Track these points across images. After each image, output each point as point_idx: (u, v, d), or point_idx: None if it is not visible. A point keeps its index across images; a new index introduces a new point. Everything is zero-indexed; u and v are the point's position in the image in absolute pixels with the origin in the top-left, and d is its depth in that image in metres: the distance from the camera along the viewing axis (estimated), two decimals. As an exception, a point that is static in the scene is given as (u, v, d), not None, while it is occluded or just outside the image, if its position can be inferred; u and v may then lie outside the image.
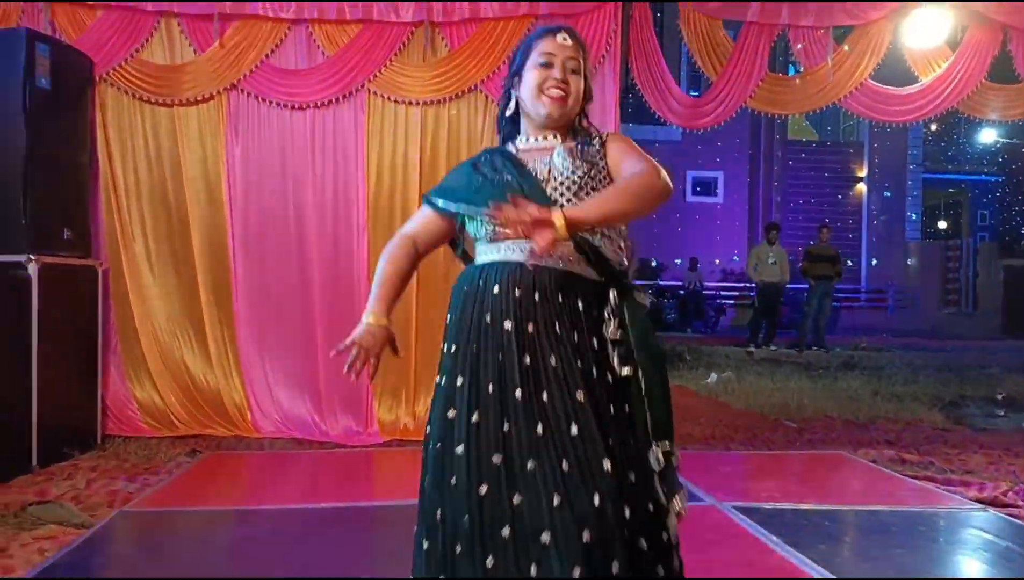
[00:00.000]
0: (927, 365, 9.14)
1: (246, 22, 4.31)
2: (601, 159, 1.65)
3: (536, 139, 1.71)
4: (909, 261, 15.67)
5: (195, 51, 4.37)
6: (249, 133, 4.46)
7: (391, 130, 4.50)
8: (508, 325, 1.51)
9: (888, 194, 15.88)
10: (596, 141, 1.69)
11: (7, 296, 3.66)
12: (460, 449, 1.47)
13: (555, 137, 1.69)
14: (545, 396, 1.47)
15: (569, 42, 1.66)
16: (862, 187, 15.69)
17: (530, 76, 1.65)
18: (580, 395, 1.46)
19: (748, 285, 10.55)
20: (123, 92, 4.37)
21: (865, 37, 4.51)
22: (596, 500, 1.38)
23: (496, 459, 1.44)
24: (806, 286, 10.28)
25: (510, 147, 1.74)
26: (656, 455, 1.52)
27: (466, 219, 1.67)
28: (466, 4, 4.31)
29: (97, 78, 4.30)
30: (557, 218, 1.39)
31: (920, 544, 2.71)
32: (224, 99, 4.41)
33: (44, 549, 2.54)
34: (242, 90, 4.41)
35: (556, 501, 1.39)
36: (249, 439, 4.42)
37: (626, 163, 1.62)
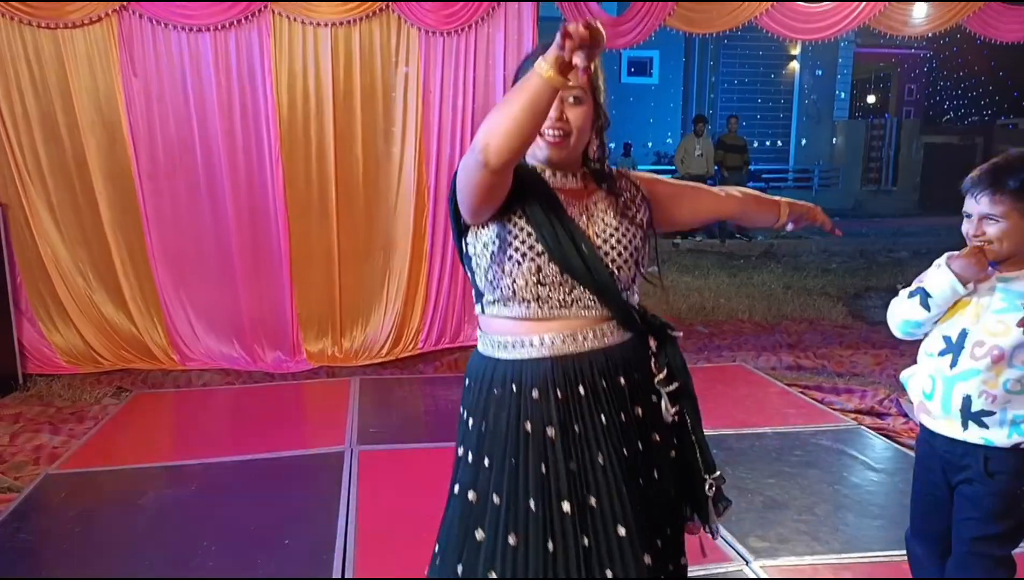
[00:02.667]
0: (841, 252, 9.64)
1: (128, -64, 3.95)
2: (644, 213, 1.47)
3: (557, 176, 1.43)
4: (835, 140, 16.01)
5: (74, -33, 4.01)
6: (146, 58, 4.20)
7: (300, 53, 4.30)
8: (551, 431, 1.36)
9: (819, 72, 15.93)
10: (631, 189, 1.49)
11: (-101, 250, 3.52)
12: (493, 576, 1.34)
13: (576, 178, 1.44)
14: (593, 501, 1.35)
15: None
16: (795, 65, 15.66)
17: None
18: (626, 490, 1.36)
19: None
20: (2, 15, 4.01)
21: (783, -48, 4.43)
22: None
23: None
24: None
25: (544, 174, 1.44)
26: (710, 484, 1.50)
27: (494, 247, 1.38)
28: (369, -83, 4.03)
29: (-35, 0, 3.94)
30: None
31: (790, 473, 3.03)
32: (114, 21, 4.11)
33: (-29, 523, 2.62)
34: (133, 12, 4.11)
35: None
36: (176, 372, 4.48)
37: (692, 190, 1.63)
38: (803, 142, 16.11)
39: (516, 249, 1.36)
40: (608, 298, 1.39)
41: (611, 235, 1.42)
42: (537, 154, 1.41)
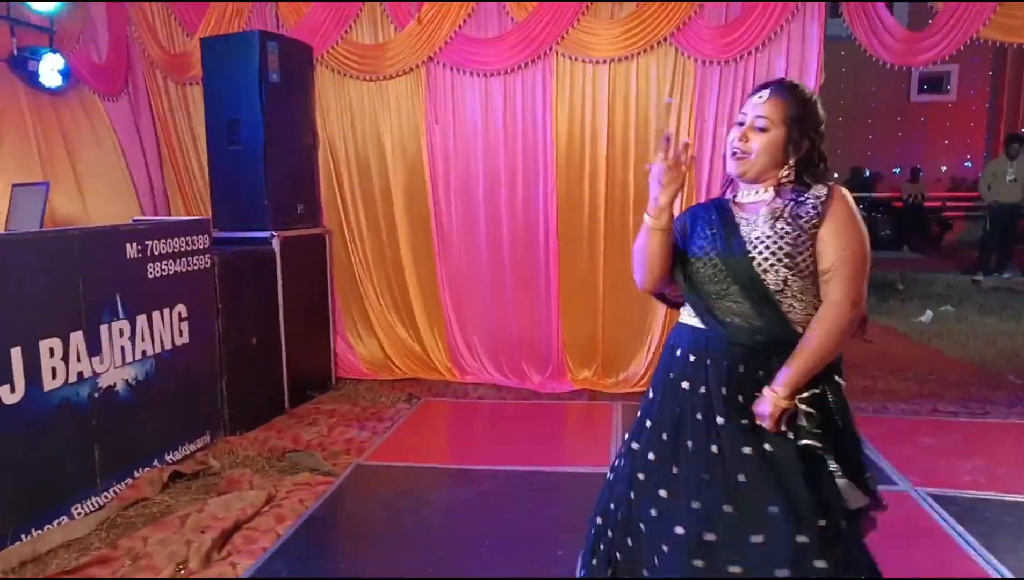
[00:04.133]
0: None
1: (441, -2, 4.50)
2: (813, 226, 1.61)
3: (747, 192, 1.74)
4: None
5: (395, 29, 4.66)
6: (445, 103, 4.71)
7: (579, 92, 4.54)
8: (686, 385, 1.72)
9: None
10: (811, 201, 1.63)
11: (258, 267, 4.32)
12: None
13: (765, 192, 1.71)
14: (714, 448, 1.64)
15: (764, 100, 1.67)
16: None
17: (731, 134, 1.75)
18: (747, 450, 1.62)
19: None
20: (336, 72, 4.79)
21: None
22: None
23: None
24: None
25: (735, 196, 1.78)
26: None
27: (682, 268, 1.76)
28: (653, -44, 4.15)
29: (315, 62, 4.76)
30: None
31: None
32: (422, 72, 4.69)
33: (303, 499, 3.12)
34: (438, 62, 4.65)
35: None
36: (455, 384, 4.93)
37: (828, 277, 1.59)
38: None
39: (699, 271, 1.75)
40: (756, 295, 1.64)
41: (764, 241, 1.64)
42: (729, 168, 1.76)
